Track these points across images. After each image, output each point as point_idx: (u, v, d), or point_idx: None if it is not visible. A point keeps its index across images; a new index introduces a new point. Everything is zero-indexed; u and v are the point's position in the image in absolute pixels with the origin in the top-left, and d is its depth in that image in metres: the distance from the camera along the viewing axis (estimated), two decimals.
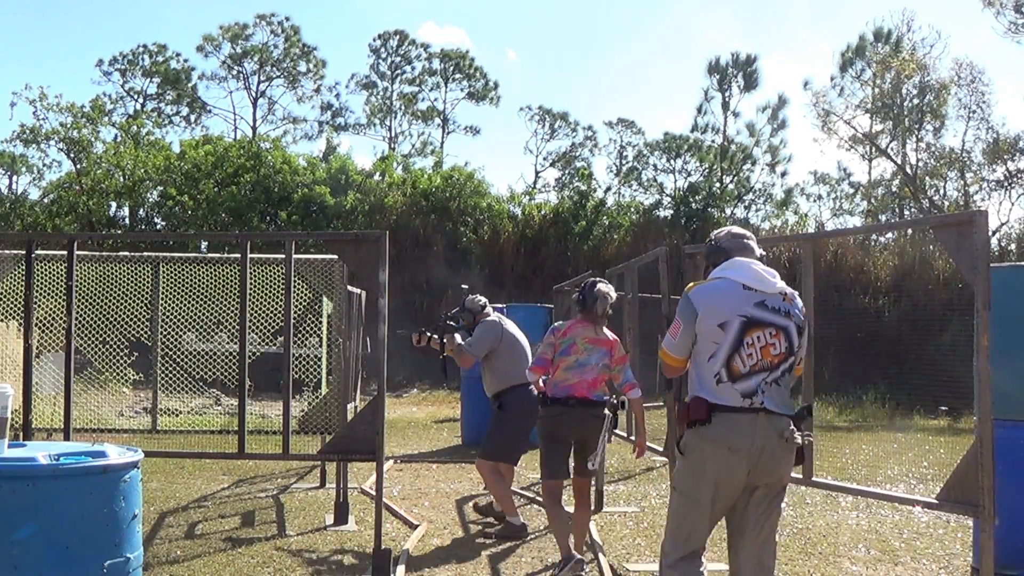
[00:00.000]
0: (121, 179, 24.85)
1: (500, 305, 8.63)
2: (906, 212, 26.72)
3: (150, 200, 25.58)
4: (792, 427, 3.27)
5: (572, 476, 5.14)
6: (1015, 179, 24.65)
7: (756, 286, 3.30)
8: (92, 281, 6.91)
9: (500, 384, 5.96)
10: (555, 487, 5.04)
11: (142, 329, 7.32)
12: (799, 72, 60.30)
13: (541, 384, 5.12)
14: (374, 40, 36.34)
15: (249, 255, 5.20)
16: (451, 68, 35.86)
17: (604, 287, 5.06)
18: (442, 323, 6.20)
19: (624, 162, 32.37)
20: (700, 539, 3.34)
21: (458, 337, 6.09)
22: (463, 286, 6.51)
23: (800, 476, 4.77)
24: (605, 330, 5.06)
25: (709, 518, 3.31)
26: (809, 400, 4.63)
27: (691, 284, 3.43)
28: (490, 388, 6.08)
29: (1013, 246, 23.66)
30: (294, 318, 6.03)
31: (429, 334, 6.00)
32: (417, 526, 6.10)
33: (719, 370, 3.24)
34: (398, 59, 36.06)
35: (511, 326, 6.18)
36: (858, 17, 55.13)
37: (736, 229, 3.56)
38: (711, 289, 3.35)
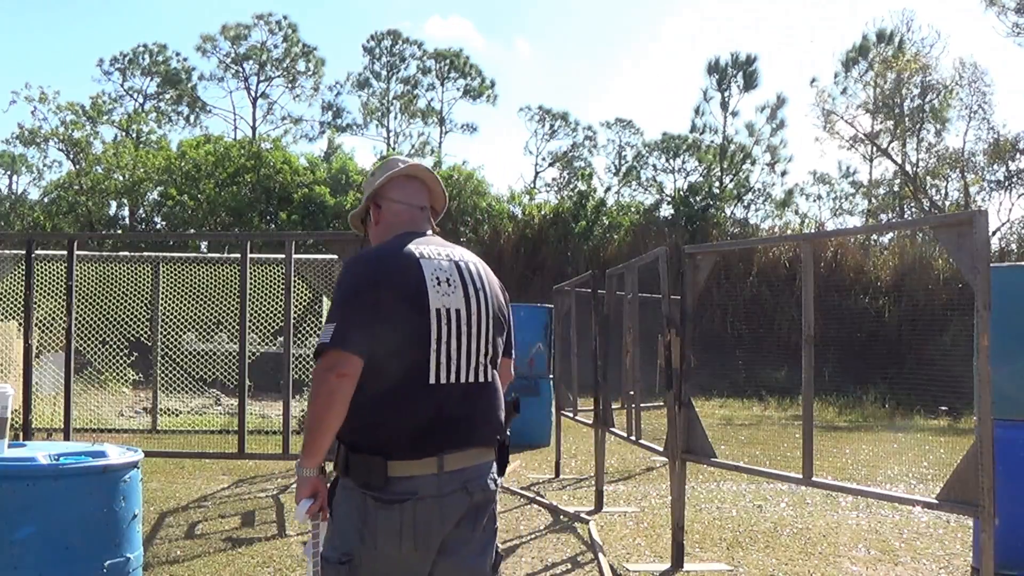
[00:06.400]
0: (121, 179, 24.86)
1: None
2: (906, 212, 26.74)
3: (150, 200, 25.60)
4: None
5: None
6: (1016, 179, 24.67)
7: None
8: (92, 281, 6.92)
9: None
10: None
11: (142, 329, 7.33)
12: (798, 72, 60.30)
13: None
14: (368, 41, 36.37)
15: (249, 255, 5.20)
16: (446, 67, 35.83)
17: None
18: None
19: (623, 162, 32.40)
20: None
21: None
22: None
23: (800, 476, 4.77)
24: None
25: None
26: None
27: None
28: None
29: (1013, 246, 23.68)
30: (294, 318, 6.03)
31: None
32: None
33: None
34: (392, 59, 36.05)
35: None
36: (858, 17, 55.19)
37: None
38: None
